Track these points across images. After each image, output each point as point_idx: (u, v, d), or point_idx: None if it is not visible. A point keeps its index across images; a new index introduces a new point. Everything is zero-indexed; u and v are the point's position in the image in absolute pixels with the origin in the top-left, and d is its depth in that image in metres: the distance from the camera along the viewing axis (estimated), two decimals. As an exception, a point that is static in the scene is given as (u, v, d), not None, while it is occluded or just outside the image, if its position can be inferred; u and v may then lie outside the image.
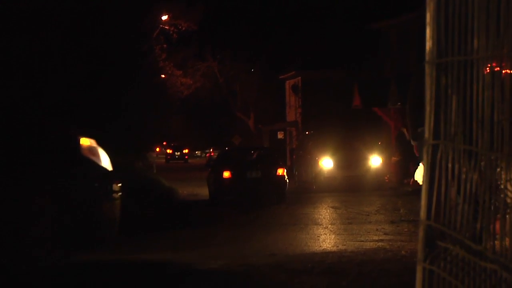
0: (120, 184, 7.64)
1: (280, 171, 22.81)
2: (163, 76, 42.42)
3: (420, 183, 7.48)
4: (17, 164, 7.00)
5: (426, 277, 2.53)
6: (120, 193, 7.64)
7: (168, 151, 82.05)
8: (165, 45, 40.73)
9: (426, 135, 2.61)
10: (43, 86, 19.82)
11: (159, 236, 13.05)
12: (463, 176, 2.59)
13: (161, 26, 41.46)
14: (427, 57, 2.68)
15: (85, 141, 7.45)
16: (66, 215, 6.99)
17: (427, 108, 2.64)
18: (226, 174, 22.28)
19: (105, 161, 7.56)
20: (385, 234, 12.13)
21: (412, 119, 7.30)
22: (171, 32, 42.39)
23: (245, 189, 22.32)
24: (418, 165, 8.65)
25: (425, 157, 2.62)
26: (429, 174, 2.60)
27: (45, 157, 7.14)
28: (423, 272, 2.53)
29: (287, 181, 23.06)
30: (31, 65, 19.59)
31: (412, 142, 7.73)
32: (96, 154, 7.49)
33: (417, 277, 2.56)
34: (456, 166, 2.58)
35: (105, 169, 7.52)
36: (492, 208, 2.60)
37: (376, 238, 11.51)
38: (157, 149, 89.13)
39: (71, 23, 21.44)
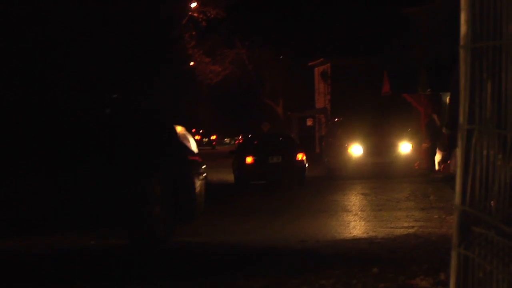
0: (204, 166, 8.45)
1: (299, 156, 24.21)
2: (192, 63, 42.49)
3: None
4: (131, 151, 7.69)
5: (461, 262, 2.52)
6: (205, 174, 8.42)
7: (196, 137, 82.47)
8: (194, 33, 40.77)
9: (461, 120, 2.60)
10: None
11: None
12: (498, 162, 2.58)
13: (190, 13, 41.49)
14: (461, 42, 2.66)
15: (178, 128, 8.24)
16: (169, 195, 7.78)
17: (462, 93, 2.63)
18: (249, 159, 23.74)
19: (194, 145, 8.34)
20: (416, 220, 12.09)
21: (453, 108, 7.09)
22: (200, 19, 42.39)
23: (266, 173, 23.81)
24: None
25: (459, 142, 2.61)
26: (464, 159, 2.59)
27: (150, 144, 7.88)
28: (458, 258, 2.52)
29: (307, 165, 24.37)
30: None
31: (444, 130, 7.54)
32: (187, 139, 8.29)
33: (452, 263, 2.55)
34: (491, 151, 2.57)
35: (195, 153, 8.29)
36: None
37: (406, 224, 11.48)
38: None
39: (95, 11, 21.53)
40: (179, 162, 8.02)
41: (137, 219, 7.60)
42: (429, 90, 28.83)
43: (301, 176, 23.95)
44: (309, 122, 52.97)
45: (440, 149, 23.43)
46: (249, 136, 31.76)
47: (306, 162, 24.34)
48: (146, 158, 7.73)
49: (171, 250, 7.79)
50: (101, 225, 7.79)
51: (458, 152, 2.60)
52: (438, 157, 24.15)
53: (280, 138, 27.14)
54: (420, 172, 26.45)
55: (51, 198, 7.22)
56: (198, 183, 8.18)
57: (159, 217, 7.74)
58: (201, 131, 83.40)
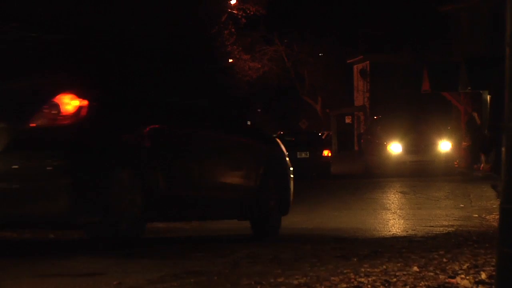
0: (292, 168, 9.82)
1: (325, 152, 27.36)
2: (231, 60, 42.54)
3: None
4: (256, 155, 9.09)
5: (506, 261, 2.50)
6: (292, 175, 9.78)
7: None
8: (233, 30, 40.79)
9: (506, 118, 2.58)
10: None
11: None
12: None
13: (229, 10, 41.51)
14: (507, 39, 2.64)
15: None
16: (278, 192, 9.28)
17: (507, 91, 2.61)
18: None
19: (285, 150, 9.80)
20: (455, 219, 12.03)
21: (495, 108, 6.96)
22: (239, 16, 42.37)
23: (295, 168, 25.29)
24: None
25: (504, 141, 2.59)
26: (509, 158, 2.57)
27: (266, 149, 9.38)
28: (502, 256, 2.51)
29: (331, 161, 27.63)
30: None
31: (487, 132, 7.38)
32: (282, 145, 9.81)
33: (496, 261, 2.54)
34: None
35: (287, 156, 9.80)
36: None
37: (446, 223, 11.42)
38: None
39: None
40: (283, 163, 9.58)
41: (262, 213, 8.89)
42: (469, 88, 28.57)
43: (327, 171, 26.83)
44: (347, 120, 52.81)
45: (480, 151, 23.22)
46: (281, 133, 32.49)
47: (331, 158, 27.60)
48: (265, 161, 9.10)
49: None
50: (230, 217, 9.12)
51: (503, 151, 2.59)
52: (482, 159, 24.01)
53: (308, 135, 30.01)
54: (459, 171, 26.25)
55: (187, 193, 7.98)
56: (292, 182, 9.64)
57: (275, 211, 9.15)
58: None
